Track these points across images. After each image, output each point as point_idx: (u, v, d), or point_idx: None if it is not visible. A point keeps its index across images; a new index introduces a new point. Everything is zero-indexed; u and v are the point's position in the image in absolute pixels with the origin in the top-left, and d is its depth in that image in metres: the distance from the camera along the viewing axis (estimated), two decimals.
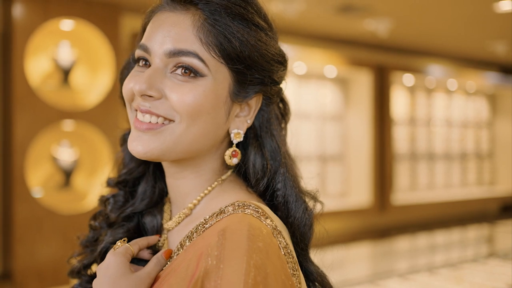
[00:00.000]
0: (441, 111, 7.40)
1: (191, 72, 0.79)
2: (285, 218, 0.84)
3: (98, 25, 4.14)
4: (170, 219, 0.90)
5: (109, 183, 0.95)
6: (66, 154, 4.14)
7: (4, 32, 4.06)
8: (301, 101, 5.92)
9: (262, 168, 0.85)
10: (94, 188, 4.34)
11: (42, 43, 4.09)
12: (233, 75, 0.81)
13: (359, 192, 6.19)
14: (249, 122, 0.86)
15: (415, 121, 7.05)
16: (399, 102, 6.77)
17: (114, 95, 4.19)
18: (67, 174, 4.15)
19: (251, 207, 0.77)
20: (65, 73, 4.12)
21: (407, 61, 6.80)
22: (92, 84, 4.33)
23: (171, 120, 0.80)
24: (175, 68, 0.79)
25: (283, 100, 0.94)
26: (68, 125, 4.09)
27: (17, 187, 3.85)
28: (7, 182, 4.01)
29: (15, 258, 3.85)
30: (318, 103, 6.11)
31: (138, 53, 0.83)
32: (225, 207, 0.78)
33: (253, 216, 0.75)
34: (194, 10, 0.80)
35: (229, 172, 0.88)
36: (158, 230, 0.91)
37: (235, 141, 0.85)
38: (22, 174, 3.86)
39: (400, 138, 6.83)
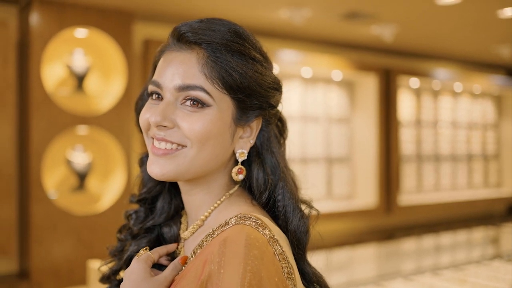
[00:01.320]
0: (447, 113, 7.41)
1: (198, 103, 0.89)
2: (284, 226, 0.94)
3: (111, 33, 4.24)
4: (187, 229, 1.02)
5: (132, 200, 1.08)
6: (80, 158, 4.26)
7: (22, 40, 4.19)
8: (308, 105, 6.00)
9: (264, 182, 0.96)
10: (107, 190, 4.46)
11: (57, 50, 4.21)
12: (235, 103, 0.92)
13: (365, 194, 6.24)
14: (252, 142, 0.97)
15: (421, 123, 7.08)
16: (405, 105, 6.80)
17: (126, 101, 4.30)
18: (81, 177, 4.26)
19: (251, 219, 0.86)
20: (79, 79, 4.22)
21: (413, 65, 6.85)
22: (105, 90, 4.44)
23: (183, 146, 0.90)
24: (184, 100, 0.90)
25: (281, 120, 1.05)
26: (82, 129, 4.20)
27: (34, 189, 3.98)
28: (24, 185, 4.13)
29: (32, 257, 3.97)
30: (325, 106, 6.18)
31: (151, 88, 0.94)
32: (229, 219, 0.89)
33: (252, 227, 0.85)
34: (198, 49, 0.91)
35: (236, 187, 0.98)
36: (175, 239, 1.04)
37: (240, 160, 0.96)
38: (39, 177, 3.98)
39: (407, 140, 6.86)
